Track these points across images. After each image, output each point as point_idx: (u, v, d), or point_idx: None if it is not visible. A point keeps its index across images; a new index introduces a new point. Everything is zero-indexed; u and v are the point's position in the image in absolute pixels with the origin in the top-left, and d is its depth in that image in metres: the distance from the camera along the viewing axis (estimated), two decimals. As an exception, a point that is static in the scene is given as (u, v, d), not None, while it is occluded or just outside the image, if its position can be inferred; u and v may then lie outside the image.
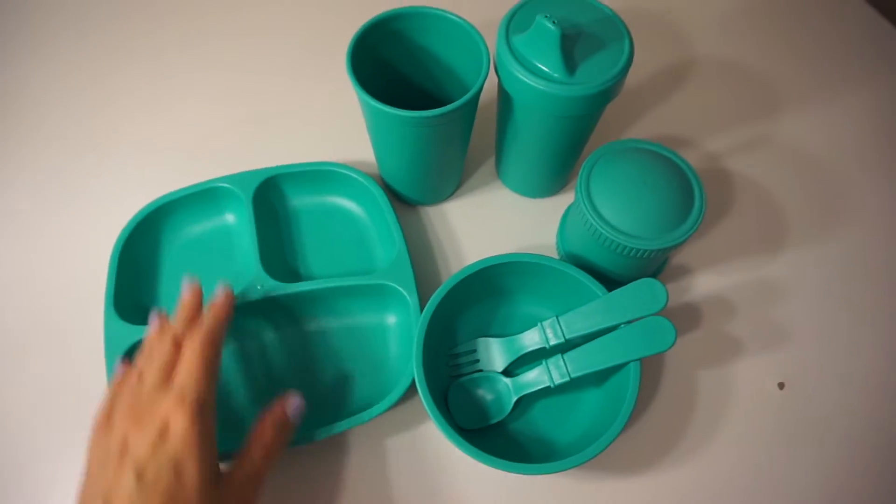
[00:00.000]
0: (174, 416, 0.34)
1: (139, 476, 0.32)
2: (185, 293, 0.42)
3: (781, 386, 0.49)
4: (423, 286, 0.50)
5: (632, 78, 0.61)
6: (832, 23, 0.67)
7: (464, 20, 0.46)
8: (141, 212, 0.50)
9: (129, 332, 0.45)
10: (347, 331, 0.49)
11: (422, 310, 0.45)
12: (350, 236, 0.53)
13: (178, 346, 0.38)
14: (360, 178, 0.52)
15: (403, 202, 0.55)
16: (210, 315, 0.40)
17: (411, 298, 0.46)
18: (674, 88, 0.63)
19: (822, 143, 0.60)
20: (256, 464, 0.37)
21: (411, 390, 0.44)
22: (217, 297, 0.42)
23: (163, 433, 0.34)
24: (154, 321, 0.41)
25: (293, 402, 0.40)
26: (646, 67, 0.63)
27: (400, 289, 0.47)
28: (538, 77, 0.41)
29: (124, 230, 0.50)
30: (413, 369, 0.42)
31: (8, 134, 0.59)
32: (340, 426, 0.43)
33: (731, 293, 0.52)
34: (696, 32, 0.66)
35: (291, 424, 0.40)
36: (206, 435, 0.35)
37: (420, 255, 0.53)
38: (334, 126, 0.58)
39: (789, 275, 0.53)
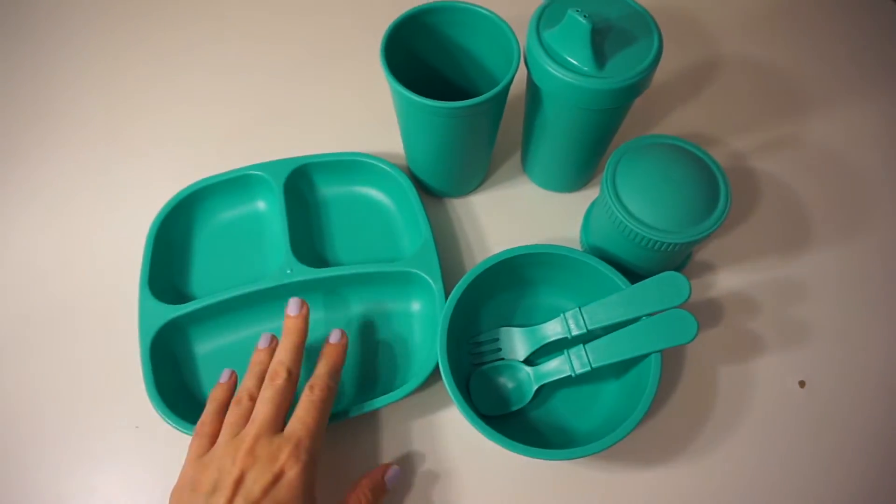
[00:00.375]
0: (289, 466, 0.37)
1: None
2: (293, 319, 0.44)
3: (802, 384, 0.49)
4: (449, 276, 0.51)
5: (659, 74, 0.61)
6: (860, 24, 0.67)
7: (495, 14, 0.46)
8: (176, 196, 0.52)
9: (163, 311, 0.47)
10: (374, 316, 0.50)
11: (446, 298, 0.45)
12: (377, 225, 0.54)
13: (292, 381, 0.41)
14: (388, 169, 0.53)
15: (430, 194, 0.56)
16: (329, 364, 0.43)
17: (436, 286, 0.47)
18: (700, 86, 0.63)
19: (847, 144, 0.59)
20: None
21: (435, 376, 0.45)
22: (333, 342, 0.44)
23: (277, 478, 0.37)
24: (265, 339, 0.44)
25: (391, 471, 0.43)
26: (673, 65, 0.63)
27: (425, 276, 0.48)
28: (568, 70, 0.42)
29: (160, 213, 0.51)
30: (437, 355, 0.43)
31: (53, 126, 0.61)
32: (368, 406, 0.44)
33: (754, 291, 0.52)
34: (724, 31, 0.66)
35: (386, 490, 0.43)
36: (312, 487, 0.38)
37: (446, 246, 0.54)
38: (364, 119, 0.60)
39: (812, 274, 0.53)
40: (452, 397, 0.42)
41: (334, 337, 0.45)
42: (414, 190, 0.52)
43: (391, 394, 0.44)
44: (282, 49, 0.66)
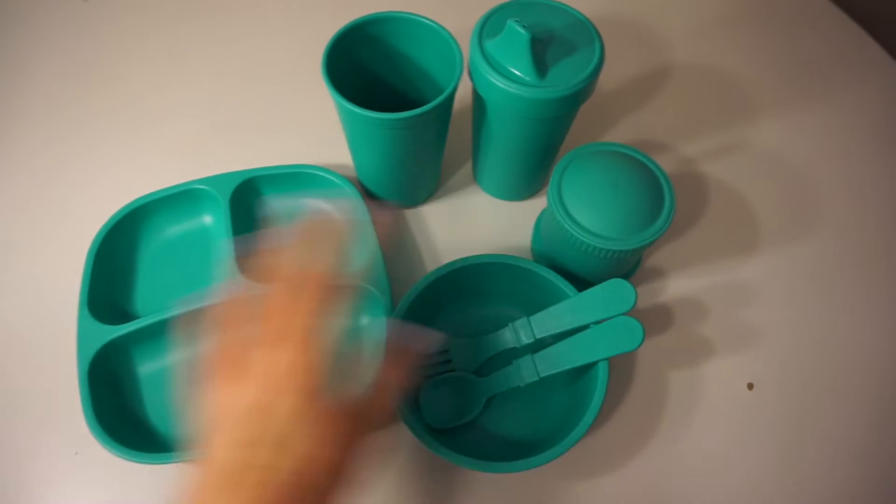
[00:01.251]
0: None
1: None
2: None
3: (751, 386, 0.49)
4: (398, 288, 0.50)
5: (608, 83, 0.62)
6: (808, 31, 0.69)
7: (438, 25, 0.46)
8: (119, 212, 0.51)
9: (103, 332, 0.45)
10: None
11: (393, 297, 0.45)
12: None
13: None
14: (336, 180, 0.52)
15: (381, 204, 0.56)
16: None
17: (384, 300, 0.47)
18: (649, 94, 0.64)
19: (795, 148, 0.61)
20: (392, 379, 0.38)
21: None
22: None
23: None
24: None
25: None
26: (622, 73, 0.64)
27: (372, 289, 0.47)
28: (510, 80, 0.42)
29: (101, 230, 0.50)
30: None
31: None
32: None
33: (703, 295, 0.53)
34: (673, 39, 0.67)
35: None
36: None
37: (396, 257, 0.53)
38: (314, 131, 0.59)
39: (760, 278, 0.54)
40: (400, 413, 0.41)
41: None
42: (362, 202, 0.51)
43: None
44: (231, 61, 0.65)
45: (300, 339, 0.32)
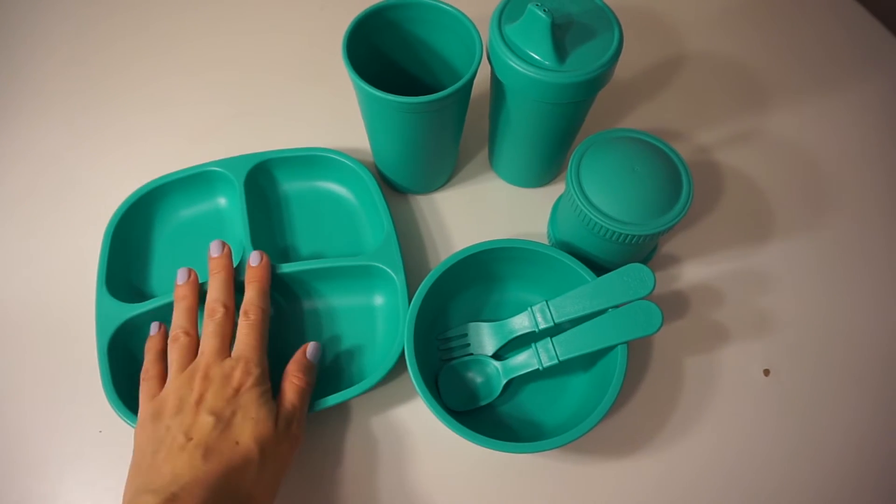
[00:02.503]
0: (244, 380, 0.41)
1: (217, 417, 0.39)
2: (216, 255, 0.47)
3: (766, 372, 0.49)
4: (414, 274, 0.51)
5: (624, 71, 0.62)
6: (821, 20, 0.68)
7: (457, 10, 0.46)
8: (135, 193, 0.51)
9: (121, 310, 0.46)
10: (336, 311, 0.50)
11: (410, 292, 0.45)
12: (340, 221, 0.54)
13: (229, 315, 0.44)
14: (351, 164, 0.53)
15: (396, 191, 0.56)
16: (256, 289, 0.45)
17: (398, 279, 0.47)
18: (665, 82, 0.64)
19: (809, 137, 0.61)
20: (294, 403, 0.42)
21: (403, 373, 0.45)
22: (255, 264, 0.47)
23: (235, 391, 0.40)
24: (183, 274, 0.46)
25: (310, 348, 0.45)
26: (638, 61, 0.64)
27: (387, 269, 0.48)
28: (529, 65, 0.42)
29: (118, 211, 0.51)
30: (399, 347, 0.44)
31: (9, 121, 0.60)
32: (328, 401, 0.43)
33: (719, 282, 0.53)
34: (688, 28, 0.67)
35: (313, 365, 0.45)
36: (267, 391, 0.42)
37: (412, 244, 0.54)
38: (331, 117, 0.59)
39: (775, 265, 0.54)
40: (420, 393, 0.42)
41: (255, 259, 0.47)
42: (376, 184, 0.52)
43: (353, 387, 0.44)
44: (247, 45, 0.65)
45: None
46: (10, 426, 0.46)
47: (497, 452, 0.40)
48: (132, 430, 0.43)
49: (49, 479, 0.45)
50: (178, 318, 0.44)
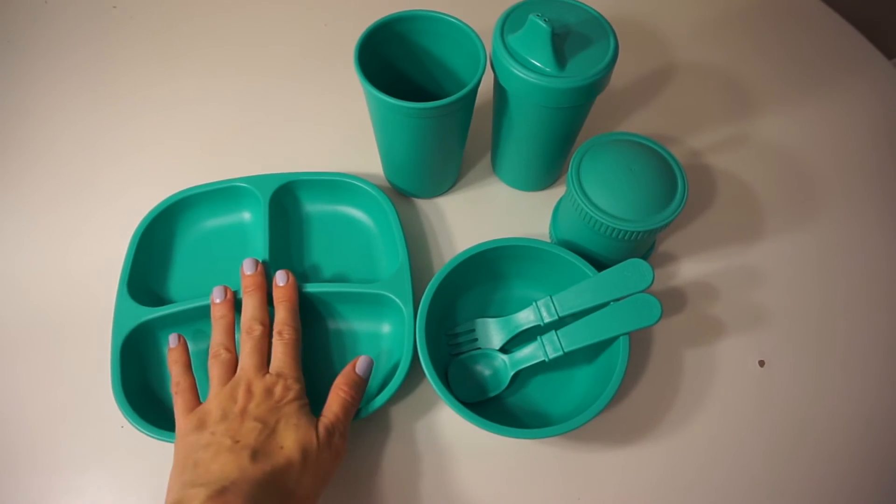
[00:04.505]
0: (285, 394, 0.42)
1: (264, 424, 0.40)
2: (250, 273, 0.48)
3: (762, 363, 0.52)
4: (418, 277, 0.52)
5: (619, 79, 0.65)
6: (803, 31, 0.72)
7: (462, 22, 0.49)
8: (163, 202, 0.53)
9: (138, 312, 0.48)
10: (344, 334, 0.51)
11: (415, 308, 0.47)
12: (356, 244, 0.55)
13: (266, 332, 0.46)
14: (373, 192, 0.54)
15: (403, 196, 0.58)
16: (287, 308, 0.47)
17: (406, 310, 0.48)
18: (658, 90, 0.67)
19: (795, 140, 0.64)
20: (338, 415, 0.43)
21: (415, 383, 0.47)
22: (282, 283, 0.48)
23: (277, 403, 0.42)
24: (219, 292, 0.48)
25: (361, 362, 0.46)
26: (631, 70, 0.67)
27: (397, 300, 0.49)
28: (531, 71, 0.44)
29: (146, 218, 0.53)
30: (407, 362, 0.46)
31: (38, 129, 0.62)
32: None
33: (714, 278, 0.55)
34: (679, 38, 0.70)
35: (362, 381, 0.45)
36: (307, 405, 0.43)
37: (417, 247, 0.56)
38: (345, 133, 0.62)
39: (767, 261, 0.56)
40: (432, 383, 0.44)
41: (281, 279, 0.48)
42: (395, 214, 0.53)
43: (374, 400, 0.46)
44: (270, 61, 0.68)
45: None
46: (33, 421, 0.48)
47: (507, 440, 0.42)
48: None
49: (71, 473, 0.46)
50: (218, 336, 0.46)
